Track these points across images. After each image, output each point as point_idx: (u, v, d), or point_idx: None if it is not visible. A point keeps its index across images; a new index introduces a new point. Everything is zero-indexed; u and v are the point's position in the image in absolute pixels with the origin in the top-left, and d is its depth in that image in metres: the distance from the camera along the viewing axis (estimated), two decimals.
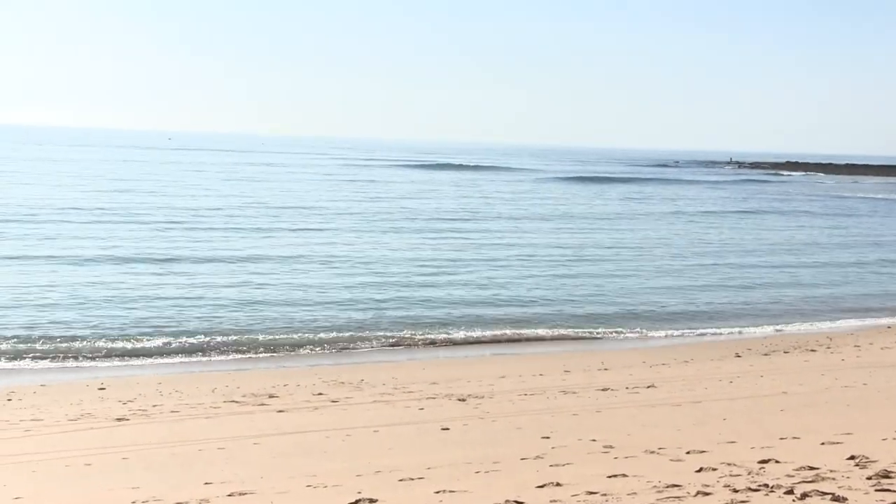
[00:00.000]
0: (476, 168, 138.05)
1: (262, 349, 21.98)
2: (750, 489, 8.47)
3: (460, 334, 23.85)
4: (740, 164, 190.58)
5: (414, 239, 43.49)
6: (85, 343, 21.56)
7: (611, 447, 11.11)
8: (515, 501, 8.49)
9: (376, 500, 8.70)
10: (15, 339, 21.60)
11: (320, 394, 16.59)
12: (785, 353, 21.73)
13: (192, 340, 22.25)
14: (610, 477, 9.31)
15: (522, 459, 10.56)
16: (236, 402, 15.88)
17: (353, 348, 22.55)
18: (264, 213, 53.60)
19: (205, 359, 21.13)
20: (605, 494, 8.63)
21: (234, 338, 22.67)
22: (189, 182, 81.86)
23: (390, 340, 23.20)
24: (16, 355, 20.47)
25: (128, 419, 14.31)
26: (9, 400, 16.43)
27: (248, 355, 21.56)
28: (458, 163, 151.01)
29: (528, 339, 24.00)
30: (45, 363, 20.21)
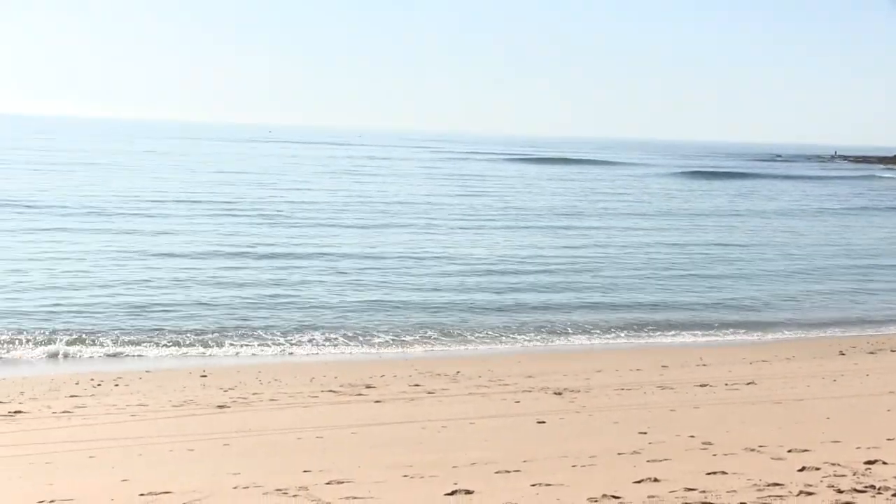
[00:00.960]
0: (580, 162, 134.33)
1: (358, 340, 22.16)
2: (855, 490, 8.31)
3: (576, 340, 23.38)
4: (845, 158, 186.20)
5: (531, 235, 42.96)
6: (188, 332, 21.99)
7: (709, 444, 10.98)
8: (612, 496, 8.45)
9: (472, 492, 8.74)
10: (121, 328, 22.13)
11: (416, 385, 16.69)
12: (892, 351, 21.21)
13: (291, 331, 22.53)
14: (709, 474, 9.20)
15: (619, 454, 10.50)
16: (334, 391, 16.06)
17: (451, 341, 22.60)
18: (374, 209, 53.02)
19: (304, 350, 21.35)
20: (703, 491, 8.54)
21: (332, 329, 22.90)
22: (301, 175, 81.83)
23: (494, 335, 23.14)
24: (122, 343, 20.95)
25: (229, 406, 14.57)
26: (116, 385, 16.86)
27: (345, 346, 21.74)
28: (560, 156, 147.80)
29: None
30: (150, 351, 20.63)
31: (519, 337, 23.14)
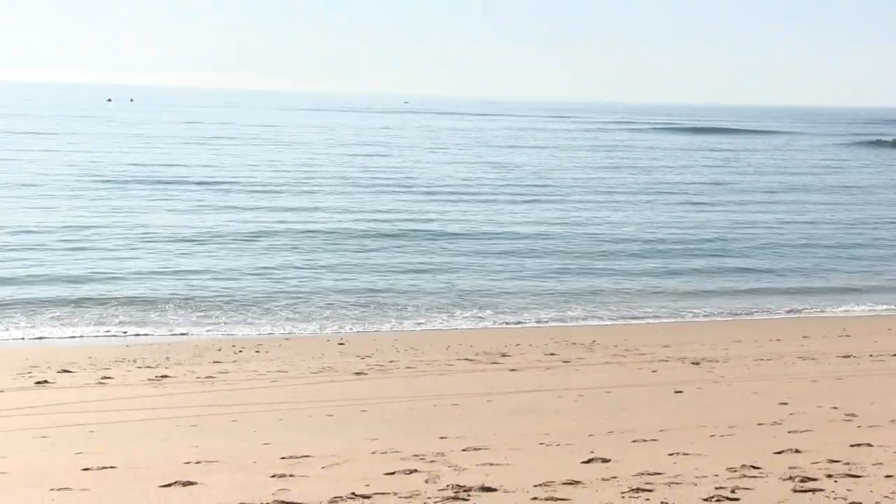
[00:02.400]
0: (739, 132, 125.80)
1: (495, 309, 22.22)
2: None
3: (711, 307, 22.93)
4: None
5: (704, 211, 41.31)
6: (325, 303, 22.36)
7: (853, 416, 10.69)
8: (752, 466, 8.30)
9: (609, 460, 8.69)
10: (262, 296, 22.69)
11: (552, 354, 16.66)
12: None
13: (428, 303, 22.69)
14: (853, 446, 8.96)
15: (759, 425, 10.30)
16: (469, 360, 16.14)
17: (585, 310, 22.49)
18: (532, 182, 51.37)
19: (439, 319, 21.46)
20: (847, 463, 8.32)
21: (468, 299, 23.02)
22: (448, 147, 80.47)
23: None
24: (263, 311, 21.41)
25: (366, 374, 14.79)
26: (256, 352, 17.28)
27: (479, 315, 21.81)
28: (718, 126, 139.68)
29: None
30: (289, 319, 21.02)
31: (654, 305, 22.92)
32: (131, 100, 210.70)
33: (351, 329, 20.22)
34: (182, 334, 19.61)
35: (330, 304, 22.30)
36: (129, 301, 21.63)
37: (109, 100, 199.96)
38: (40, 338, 18.89)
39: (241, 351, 17.52)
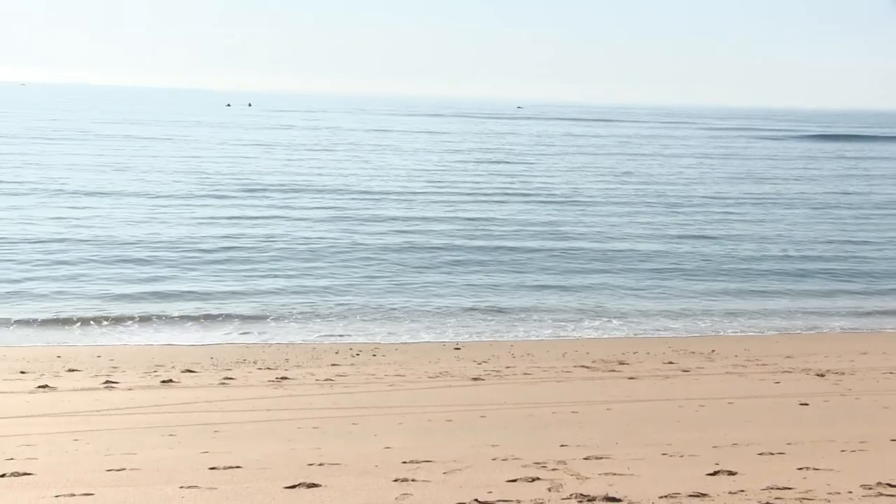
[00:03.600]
0: (872, 139, 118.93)
1: (608, 316, 22.02)
2: None
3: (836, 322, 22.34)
4: None
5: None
6: (442, 309, 22.41)
7: None
8: (888, 484, 8.03)
9: (736, 473, 8.50)
10: (380, 301, 22.88)
11: (671, 363, 16.42)
12: None
13: (548, 311, 22.57)
14: None
15: (892, 440, 9.98)
16: (587, 367, 16.02)
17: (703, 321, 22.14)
18: (667, 192, 49.29)
19: (552, 326, 21.33)
20: None
21: (589, 309, 22.88)
22: (568, 153, 78.60)
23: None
24: (378, 316, 21.52)
25: (483, 379, 14.78)
26: (373, 356, 17.41)
27: (593, 322, 21.63)
28: (849, 133, 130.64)
29: None
30: (405, 325, 21.09)
31: (775, 314, 22.47)
32: (249, 104, 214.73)
33: (468, 336, 20.21)
34: (299, 337, 19.85)
35: (445, 307, 22.36)
36: (250, 307, 21.94)
37: (229, 105, 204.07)
38: (168, 344, 19.28)
39: (358, 354, 17.69)
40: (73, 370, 15.37)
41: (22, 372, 15.11)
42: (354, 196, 43.02)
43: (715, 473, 8.54)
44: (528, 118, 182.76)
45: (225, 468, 8.64)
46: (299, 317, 21.25)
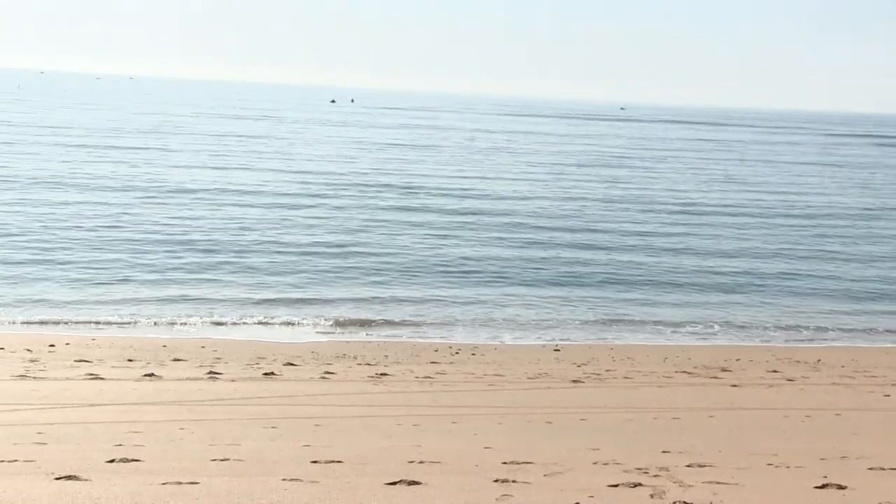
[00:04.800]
0: None
1: (714, 323, 21.69)
2: None
3: None
4: None
5: None
6: (541, 312, 22.31)
7: None
8: None
9: (845, 487, 8.27)
10: (483, 301, 22.89)
11: (775, 371, 16.11)
12: None
13: (651, 315, 22.33)
14: None
15: None
16: (688, 373, 15.80)
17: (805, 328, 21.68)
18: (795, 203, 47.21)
19: (652, 330, 21.08)
20: None
21: (688, 314, 22.59)
22: (681, 157, 76.30)
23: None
24: (479, 321, 21.44)
25: (583, 382, 14.66)
26: (472, 355, 17.43)
27: (697, 328, 21.34)
28: None
29: None
30: (504, 327, 21.01)
31: (883, 326, 21.90)
32: (352, 100, 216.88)
33: (567, 338, 20.08)
34: (399, 333, 19.93)
35: (544, 307, 22.28)
36: (352, 303, 22.07)
37: (333, 101, 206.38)
38: (271, 338, 19.53)
39: (457, 353, 17.71)
40: (179, 360, 15.67)
41: (129, 360, 15.45)
42: (465, 199, 42.74)
43: (823, 487, 8.32)
44: (635, 120, 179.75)
45: (326, 462, 8.69)
46: (400, 314, 21.34)
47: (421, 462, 8.88)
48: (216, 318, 20.22)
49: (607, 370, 15.89)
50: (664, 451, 9.71)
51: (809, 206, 45.57)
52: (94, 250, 26.33)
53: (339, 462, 8.73)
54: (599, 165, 63.98)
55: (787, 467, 9.12)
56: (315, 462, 8.70)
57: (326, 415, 11.44)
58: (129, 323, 19.54)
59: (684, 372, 15.86)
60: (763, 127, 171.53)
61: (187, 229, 30.32)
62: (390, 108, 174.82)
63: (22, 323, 19.11)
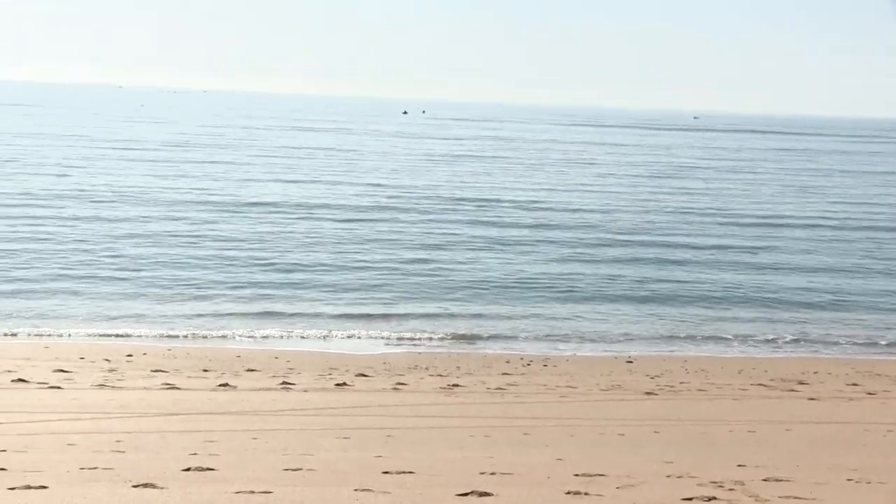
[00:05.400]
0: None
1: (789, 335, 21.37)
2: None
3: None
4: None
5: None
6: (614, 325, 22.14)
7: None
8: None
9: None
10: (557, 313, 22.82)
11: (854, 384, 15.81)
12: None
13: (728, 328, 22.07)
14: None
15: None
16: (764, 385, 15.58)
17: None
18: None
19: (730, 344, 20.81)
20: None
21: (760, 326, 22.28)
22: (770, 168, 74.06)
23: None
24: (551, 333, 21.34)
25: (656, 394, 14.53)
26: (544, 366, 17.37)
27: (771, 339, 21.04)
28: None
29: None
30: (576, 339, 20.87)
31: None
32: (423, 112, 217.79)
33: (640, 350, 19.91)
34: (470, 346, 19.92)
35: (618, 324, 22.14)
36: (425, 317, 22.07)
37: (405, 112, 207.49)
38: (342, 350, 19.65)
39: (529, 364, 17.66)
40: (252, 370, 15.83)
41: (204, 370, 15.65)
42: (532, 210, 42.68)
43: None
44: (710, 129, 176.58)
45: (398, 473, 8.71)
46: (477, 329, 21.30)
47: (492, 473, 8.85)
48: (289, 330, 20.40)
49: (681, 382, 15.73)
50: (739, 465, 9.57)
51: (890, 219, 44.64)
52: (172, 265, 26.70)
53: (410, 473, 8.74)
54: (674, 177, 63.13)
55: (868, 483, 8.93)
56: (387, 473, 8.71)
57: (398, 426, 11.47)
58: (204, 336, 19.79)
59: (760, 384, 15.64)
60: (842, 136, 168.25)
61: (264, 244, 30.62)
62: (460, 120, 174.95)
63: (100, 335, 19.45)
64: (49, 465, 8.40)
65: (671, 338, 21.08)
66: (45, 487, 7.56)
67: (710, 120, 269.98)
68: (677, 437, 11.25)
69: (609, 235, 35.47)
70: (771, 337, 21.19)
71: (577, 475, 8.87)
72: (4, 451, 9.00)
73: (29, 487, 7.55)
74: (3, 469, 8.15)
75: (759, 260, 31.37)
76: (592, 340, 20.64)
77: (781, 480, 8.91)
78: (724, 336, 21.20)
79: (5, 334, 19.09)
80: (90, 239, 29.91)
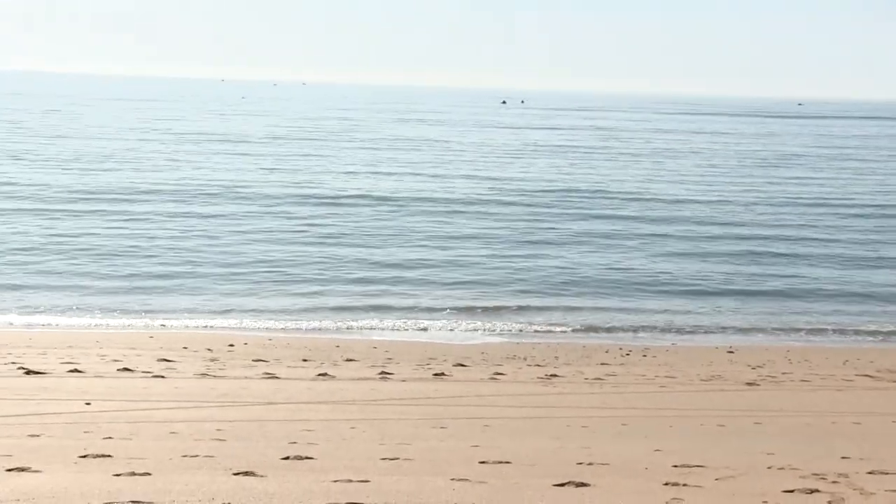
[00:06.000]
0: None
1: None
2: None
3: None
4: None
5: None
6: (715, 318, 21.83)
7: None
8: None
9: None
10: (654, 304, 22.58)
11: None
12: None
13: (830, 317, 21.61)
14: None
15: None
16: (870, 376, 15.21)
17: None
18: None
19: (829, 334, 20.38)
20: None
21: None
22: None
23: None
24: (651, 324, 21.13)
25: (758, 384, 14.28)
26: (643, 356, 17.21)
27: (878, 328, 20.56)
28: None
29: None
30: (676, 330, 20.65)
31: None
32: (522, 101, 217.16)
33: (743, 336, 19.64)
34: (568, 336, 19.85)
35: (719, 316, 21.83)
36: (526, 310, 22.02)
37: (504, 102, 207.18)
38: (440, 340, 19.74)
39: (628, 354, 17.52)
40: (351, 360, 15.98)
41: (304, 360, 15.85)
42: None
43: None
44: (815, 117, 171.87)
45: (494, 463, 8.70)
46: (569, 318, 21.24)
47: (590, 464, 8.80)
48: (388, 321, 20.56)
49: (783, 373, 15.44)
50: (843, 457, 9.35)
51: None
52: (276, 258, 27.08)
53: (507, 463, 8.73)
54: (781, 166, 61.76)
55: None
56: (483, 462, 8.72)
57: (495, 415, 11.47)
58: (303, 327, 20.04)
59: (866, 375, 15.27)
60: None
61: (366, 237, 30.78)
62: (560, 110, 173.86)
63: (203, 326, 19.83)
64: (152, 452, 8.59)
65: (775, 330, 20.71)
66: (148, 474, 7.73)
67: (815, 107, 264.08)
68: (779, 429, 11.04)
69: (714, 228, 34.80)
70: (876, 328, 20.68)
71: (675, 466, 8.76)
72: (111, 437, 9.24)
73: (133, 474, 7.73)
74: (109, 456, 8.36)
75: (867, 253, 30.57)
76: (692, 332, 20.38)
77: (887, 473, 8.67)
78: (827, 327, 20.76)
79: (113, 325, 19.60)
80: (194, 232, 30.51)
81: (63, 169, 46.57)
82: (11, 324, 19.55)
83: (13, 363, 14.22)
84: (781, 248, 30.79)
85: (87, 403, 11.12)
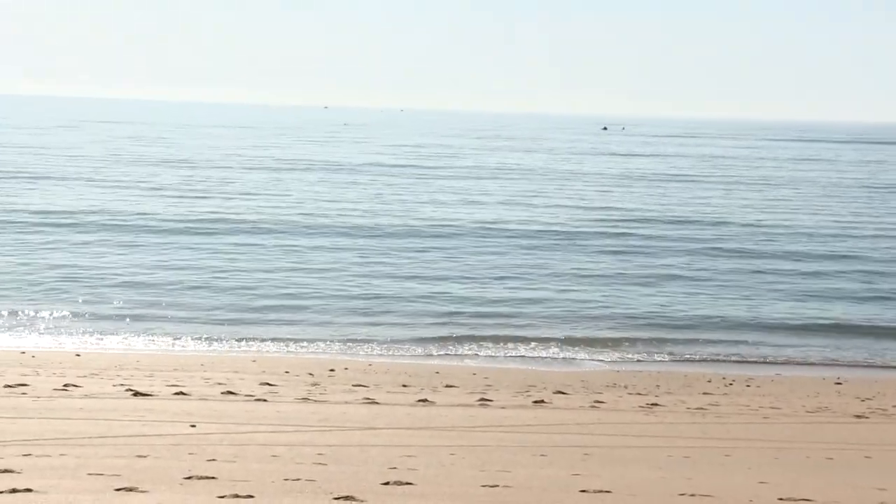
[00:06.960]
0: None
1: None
2: None
3: None
4: None
5: None
6: (822, 351, 21.34)
7: None
8: None
9: None
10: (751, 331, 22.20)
11: None
12: None
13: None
14: None
15: None
16: None
17: None
18: None
19: None
20: None
21: None
22: None
23: None
24: (754, 355, 20.73)
25: (867, 417, 13.92)
26: (747, 386, 16.90)
27: None
28: None
29: None
30: (779, 362, 20.24)
31: None
32: (623, 128, 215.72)
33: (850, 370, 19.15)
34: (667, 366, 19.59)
35: (825, 349, 21.33)
36: (625, 341, 21.68)
37: (605, 128, 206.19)
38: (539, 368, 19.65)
39: (731, 384, 17.23)
40: (451, 386, 16.00)
41: (404, 385, 15.92)
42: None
43: None
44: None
45: (595, 492, 8.61)
46: (671, 346, 20.97)
47: (692, 495, 8.65)
48: (487, 348, 20.55)
49: (894, 406, 15.01)
50: None
51: None
52: (374, 287, 27.01)
53: (607, 492, 8.63)
54: None
55: None
56: (583, 491, 8.63)
57: (596, 444, 11.36)
58: (403, 353, 20.11)
59: None
60: None
61: (468, 267, 30.33)
62: (663, 136, 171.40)
63: (305, 351, 20.04)
64: (255, 475, 8.69)
65: (886, 364, 20.15)
66: (251, 497, 7.82)
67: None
68: (890, 464, 10.74)
69: (831, 266, 32.97)
70: None
71: (781, 499, 8.58)
72: (214, 460, 9.37)
73: (237, 497, 7.82)
74: (213, 477, 8.48)
75: None
76: (797, 363, 19.95)
77: None
78: None
79: (217, 349, 19.94)
80: (318, 263, 30.50)
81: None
82: (128, 347, 19.98)
83: (121, 384, 14.55)
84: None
85: (192, 426, 11.31)
